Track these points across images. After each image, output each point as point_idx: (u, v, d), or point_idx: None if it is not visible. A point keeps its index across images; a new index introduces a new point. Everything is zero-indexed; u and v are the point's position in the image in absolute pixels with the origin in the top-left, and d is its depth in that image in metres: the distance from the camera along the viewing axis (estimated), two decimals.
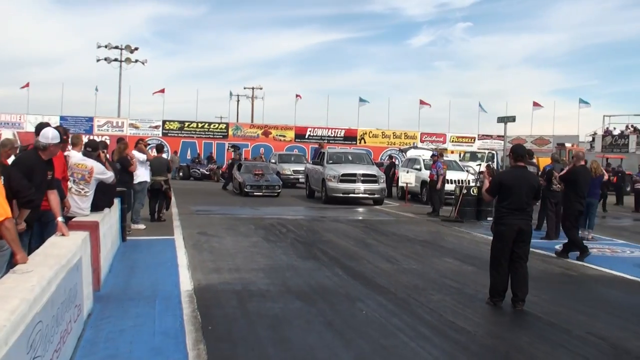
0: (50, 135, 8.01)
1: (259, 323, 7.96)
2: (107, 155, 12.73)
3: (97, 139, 14.15)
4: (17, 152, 10.04)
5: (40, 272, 5.39)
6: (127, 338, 7.15)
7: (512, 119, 21.45)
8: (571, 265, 13.18)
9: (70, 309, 6.39)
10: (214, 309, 8.55)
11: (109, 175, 10.76)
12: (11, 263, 6.18)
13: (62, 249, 6.83)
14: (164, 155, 20.29)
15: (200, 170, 44.68)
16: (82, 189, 10.23)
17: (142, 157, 16.80)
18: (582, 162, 14.83)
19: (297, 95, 62.22)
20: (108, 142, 16.63)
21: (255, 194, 29.49)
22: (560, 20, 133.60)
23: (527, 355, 7.10)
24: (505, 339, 7.79)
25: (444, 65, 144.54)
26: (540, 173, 18.13)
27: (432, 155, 26.05)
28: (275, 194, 29.87)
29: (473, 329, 8.00)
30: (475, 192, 21.68)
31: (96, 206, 10.63)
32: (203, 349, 6.78)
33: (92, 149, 11.18)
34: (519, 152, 9.86)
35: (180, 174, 43.98)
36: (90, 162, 10.48)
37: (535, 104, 61.42)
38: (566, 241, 14.37)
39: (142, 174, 16.82)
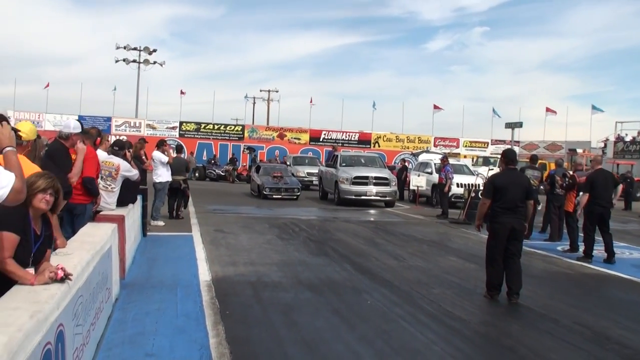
0: (72, 125, 8.86)
1: (272, 309, 8.71)
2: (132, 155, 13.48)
3: (117, 139, 14.79)
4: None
5: (79, 255, 6.12)
6: (153, 319, 7.90)
7: (520, 124, 22.02)
8: (571, 265, 13.79)
9: (102, 290, 7.15)
10: (230, 296, 9.30)
11: (134, 173, 11.52)
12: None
13: (95, 237, 7.59)
14: (182, 156, 21.00)
15: (216, 171, 45.39)
16: (109, 185, 10.97)
17: (164, 158, 17.53)
18: (599, 166, 15.08)
19: (310, 100, 63.08)
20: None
21: (274, 196, 29.03)
22: (577, 25, 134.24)
23: (515, 339, 7.80)
24: (497, 326, 8.51)
25: (459, 69, 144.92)
26: (545, 178, 18.74)
27: (441, 159, 26.79)
28: (295, 197, 29.48)
29: (468, 318, 8.70)
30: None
31: (121, 201, 11.37)
32: (222, 329, 7.51)
33: (119, 148, 11.90)
34: (510, 156, 10.64)
35: (196, 174, 44.68)
36: (117, 160, 11.22)
37: (549, 110, 62.06)
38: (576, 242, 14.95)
39: (163, 174, 17.56)
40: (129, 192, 11.82)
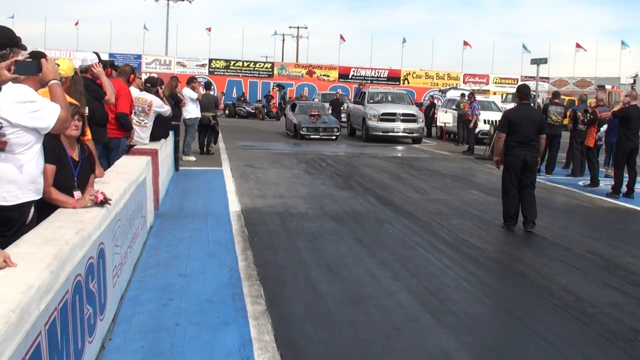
0: (89, 58, 9.26)
1: (297, 237, 9.24)
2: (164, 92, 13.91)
3: (149, 76, 15.08)
4: None
5: (116, 183, 6.61)
6: (185, 244, 8.44)
7: (545, 60, 22.14)
8: (591, 199, 14.11)
9: (138, 217, 7.67)
10: (259, 226, 9.82)
11: (166, 109, 11.97)
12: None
13: (131, 168, 8.09)
14: (212, 93, 21.35)
15: (246, 108, 45.66)
16: (142, 120, 11.43)
17: (193, 95, 17.90)
18: (634, 102, 14.91)
19: (341, 37, 62.91)
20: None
21: (311, 136, 27.46)
22: None
23: (526, 265, 8.26)
24: (510, 253, 8.97)
25: (492, 2, 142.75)
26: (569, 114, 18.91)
27: (468, 95, 26.95)
28: (334, 137, 27.81)
29: (483, 246, 9.15)
30: None
31: (154, 136, 11.84)
32: (250, 254, 8.04)
33: (152, 85, 12.30)
34: (524, 92, 11.06)
35: (226, 111, 45.03)
36: (150, 97, 11.65)
37: (578, 46, 61.50)
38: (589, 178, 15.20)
39: (192, 111, 17.93)
40: (161, 128, 12.27)
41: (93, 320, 4.74)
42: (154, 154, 10.47)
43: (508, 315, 6.35)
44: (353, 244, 9.00)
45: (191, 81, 18.34)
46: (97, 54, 9.58)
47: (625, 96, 15.82)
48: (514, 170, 10.43)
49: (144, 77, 15.65)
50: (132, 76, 10.86)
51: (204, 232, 9.19)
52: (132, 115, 11.18)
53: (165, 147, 12.76)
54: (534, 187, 10.60)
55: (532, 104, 11.05)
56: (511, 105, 28.38)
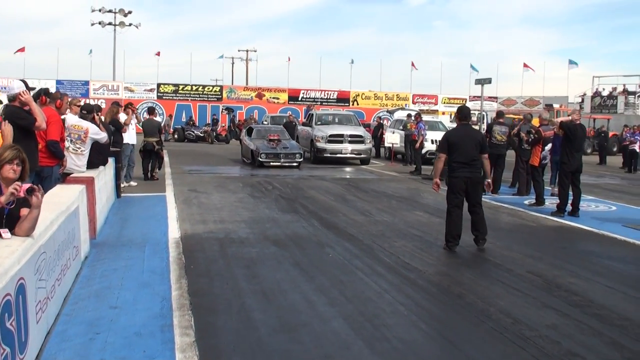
0: (15, 86, 9.07)
1: (235, 263, 9.07)
2: (101, 118, 13.69)
3: (93, 102, 14.80)
4: None
5: (44, 214, 6.40)
6: (119, 275, 8.22)
7: (489, 80, 22.44)
8: (535, 218, 14.15)
9: (69, 248, 7.47)
10: (197, 252, 9.64)
11: (102, 136, 11.75)
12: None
13: (62, 198, 7.92)
14: (156, 118, 21.09)
15: (195, 132, 45.40)
16: (79, 148, 11.23)
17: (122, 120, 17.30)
18: (579, 121, 14.91)
19: (288, 59, 63.08)
20: (104, 105, 17.44)
21: (271, 164, 24.88)
22: None
23: (466, 287, 8.19)
24: (450, 275, 8.88)
25: (441, 25, 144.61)
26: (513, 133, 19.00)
27: (414, 115, 27.10)
28: (296, 164, 25.24)
29: (424, 268, 9.08)
30: None
31: (92, 164, 11.62)
32: (185, 282, 7.86)
33: (87, 112, 12.06)
34: (464, 113, 11.22)
35: (176, 136, 44.75)
36: (86, 124, 11.45)
37: (526, 66, 62.37)
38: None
39: (125, 136, 17.19)
40: (99, 155, 12.07)
41: None
42: (89, 181, 10.28)
43: (443, 341, 6.25)
44: (291, 269, 8.87)
45: (126, 107, 17.80)
46: (24, 81, 9.37)
47: (571, 114, 15.92)
48: (457, 191, 10.58)
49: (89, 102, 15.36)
50: (58, 101, 10.57)
51: (139, 261, 8.98)
52: (69, 143, 10.99)
53: (104, 174, 12.53)
54: (481, 206, 10.71)
55: (473, 125, 11.11)
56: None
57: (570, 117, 15.14)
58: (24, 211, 5.62)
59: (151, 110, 20.94)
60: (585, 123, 45.30)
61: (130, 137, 17.66)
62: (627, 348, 6.22)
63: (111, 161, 14.13)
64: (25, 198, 5.51)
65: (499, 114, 20.21)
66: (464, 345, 6.11)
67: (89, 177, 10.62)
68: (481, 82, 22.59)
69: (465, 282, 8.51)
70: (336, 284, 8.14)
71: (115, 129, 15.37)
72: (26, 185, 5.43)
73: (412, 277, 8.59)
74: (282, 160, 25.10)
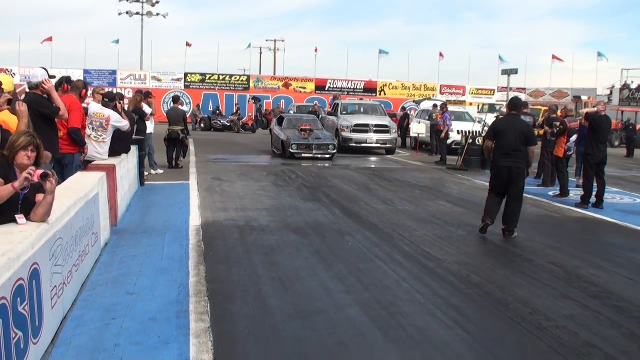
0: (39, 74, 9.10)
1: (254, 251, 9.08)
2: (124, 106, 13.74)
3: (120, 92, 14.73)
4: None
5: (60, 201, 6.43)
6: (138, 261, 8.26)
7: (515, 71, 22.26)
8: (560, 209, 14.05)
9: (88, 234, 7.50)
10: (217, 240, 9.66)
11: (124, 124, 11.78)
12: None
13: (81, 185, 7.95)
14: (182, 107, 21.07)
15: (221, 121, 45.34)
16: (100, 136, 11.27)
17: (147, 110, 17.39)
18: (605, 112, 14.77)
19: (315, 49, 62.95)
20: (130, 94, 17.48)
21: (303, 155, 23.59)
22: None
23: (484, 277, 8.12)
24: (470, 265, 8.77)
25: (471, 16, 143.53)
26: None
27: (440, 106, 26.96)
28: (329, 156, 23.93)
29: (443, 257, 9.03)
30: (480, 142, 22.60)
31: (114, 152, 11.67)
32: (203, 269, 7.88)
33: (110, 100, 12.12)
34: (514, 103, 11.43)
35: (202, 125, 44.78)
36: (108, 111, 11.49)
37: (555, 57, 61.75)
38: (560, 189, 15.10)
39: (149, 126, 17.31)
40: (121, 143, 12.10)
41: (24, 345, 4.58)
42: (110, 169, 10.31)
43: (459, 330, 6.18)
44: (310, 256, 8.86)
45: (146, 96, 17.86)
46: (45, 69, 9.42)
47: (596, 105, 15.73)
48: (497, 179, 10.88)
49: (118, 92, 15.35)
50: (84, 90, 10.67)
51: (159, 248, 9.01)
52: (90, 131, 11.04)
53: (127, 162, 12.58)
54: (517, 199, 10.82)
55: (521, 116, 11.28)
56: (488, 116, 28.73)
57: (595, 109, 14.98)
58: (39, 197, 5.64)
59: (176, 99, 20.97)
60: (612, 116, 44.97)
61: (150, 126, 17.64)
62: None
63: (134, 149, 14.18)
64: (40, 184, 5.52)
65: (523, 104, 20.06)
66: (480, 334, 6.07)
67: (110, 164, 10.66)
68: (508, 72, 22.39)
69: (485, 271, 8.44)
70: (354, 272, 8.12)
71: (139, 117, 15.39)
72: (40, 171, 5.45)
73: (432, 266, 8.55)
74: (314, 151, 23.81)
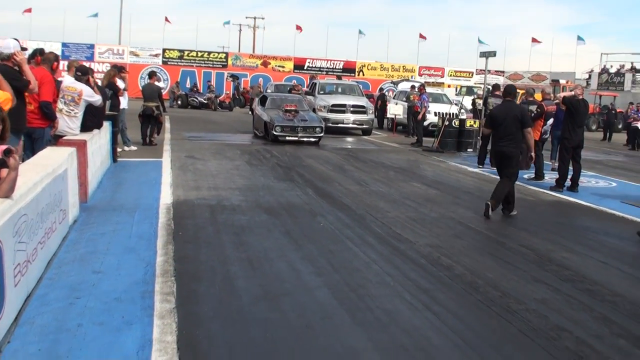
0: (11, 45, 8.94)
1: (224, 231, 8.98)
2: (97, 81, 13.55)
3: (98, 66, 14.44)
4: None
5: (27, 176, 6.31)
6: (106, 239, 8.14)
7: (494, 53, 22.15)
8: (534, 192, 14.09)
9: (55, 211, 7.36)
10: (187, 219, 9.54)
11: (96, 99, 11.61)
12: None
13: (49, 160, 7.81)
14: (158, 83, 20.82)
15: (199, 99, 45.06)
16: (72, 110, 11.09)
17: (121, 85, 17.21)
18: (582, 96, 14.91)
19: (297, 27, 62.54)
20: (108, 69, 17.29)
21: (287, 138, 21.92)
22: None
23: (455, 259, 8.06)
24: (442, 247, 8.70)
25: None
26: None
27: (418, 87, 26.89)
28: (316, 139, 22.37)
29: (415, 239, 8.98)
30: (457, 124, 22.61)
31: (86, 127, 11.50)
32: (171, 248, 7.78)
33: (82, 74, 11.95)
34: (508, 90, 12.01)
35: (179, 102, 44.48)
36: (80, 86, 11.31)
37: (534, 40, 61.88)
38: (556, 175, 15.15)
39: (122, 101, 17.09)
40: (93, 118, 11.93)
41: None
42: (81, 145, 10.15)
43: (427, 312, 6.12)
44: (281, 237, 8.78)
45: (119, 71, 17.60)
46: (17, 40, 9.25)
47: (573, 89, 15.76)
48: (496, 161, 11.72)
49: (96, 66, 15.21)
50: (55, 63, 10.49)
51: (127, 226, 8.88)
52: (62, 105, 10.88)
53: (99, 138, 12.41)
54: (510, 179, 11.32)
55: (515, 101, 11.72)
56: (466, 99, 28.74)
57: (572, 92, 14.99)
58: (3, 172, 5.51)
59: (152, 74, 20.73)
60: (590, 100, 45.13)
61: (124, 101, 17.42)
62: (617, 324, 6.14)
63: (107, 125, 14.02)
64: (3, 159, 5.40)
65: (495, 86, 20.31)
66: (448, 317, 6.01)
67: (81, 140, 10.49)
68: (486, 55, 22.32)
69: (456, 254, 8.37)
70: (324, 253, 8.05)
71: (112, 92, 15.21)
72: (3, 147, 5.32)
73: (402, 248, 8.50)
74: (299, 134, 22.08)
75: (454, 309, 6.28)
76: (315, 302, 6.26)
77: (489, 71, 59.37)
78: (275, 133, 21.79)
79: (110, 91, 14.88)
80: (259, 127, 24.27)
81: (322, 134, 22.46)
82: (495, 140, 11.50)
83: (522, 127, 11.11)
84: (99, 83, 14.87)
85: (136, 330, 5.28)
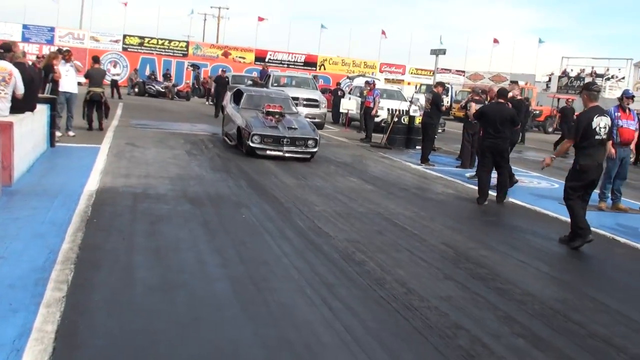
0: None
1: (141, 220, 8.85)
2: (28, 62, 13.32)
3: (4, 42, 13.97)
4: None
5: None
6: (19, 224, 7.97)
7: (443, 51, 22.29)
8: (470, 190, 14.05)
9: None
10: (106, 206, 9.39)
11: (19, 86, 11.27)
12: None
13: None
14: (101, 67, 20.51)
15: (156, 87, 44.62)
16: (2, 91, 10.89)
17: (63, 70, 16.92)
18: (519, 96, 16.13)
19: (259, 18, 62.39)
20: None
21: (269, 152, 16.21)
22: None
23: (369, 255, 8.00)
24: (359, 242, 8.63)
25: None
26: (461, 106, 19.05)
27: (367, 83, 26.93)
28: (309, 155, 16.60)
29: (335, 234, 8.91)
30: (406, 121, 22.64)
31: (18, 109, 11.28)
32: (80, 235, 7.63)
33: (5, 51, 11.71)
34: (500, 92, 13.58)
35: (136, 90, 44.05)
36: (10, 66, 11.12)
37: (495, 41, 62.40)
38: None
39: (63, 84, 16.95)
40: (24, 100, 11.70)
41: None
42: (6, 127, 9.97)
43: (324, 308, 6.04)
44: (197, 227, 8.67)
45: (60, 53, 17.27)
46: None
47: (510, 89, 15.80)
48: (486, 155, 12.85)
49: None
50: None
51: (44, 211, 8.70)
52: None
53: (31, 121, 12.20)
54: (506, 169, 13.08)
55: (507, 103, 13.36)
56: (422, 97, 28.86)
57: (511, 94, 15.12)
58: None
59: (96, 59, 20.46)
60: (548, 102, 45.40)
61: (69, 85, 17.18)
62: (520, 323, 6.13)
63: (45, 108, 13.82)
64: None
65: (437, 84, 20.48)
66: (344, 314, 5.93)
67: (7, 122, 10.27)
68: (436, 52, 22.40)
69: (372, 250, 8.29)
70: (237, 245, 7.97)
71: (46, 74, 14.96)
72: None
73: (319, 242, 8.44)
74: (285, 148, 16.31)
75: (352, 305, 6.20)
76: (212, 294, 6.17)
77: (450, 70, 60.00)
78: (252, 145, 16.14)
79: (44, 73, 14.62)
80: (230, 133, 18.47)
81: (316, 149, 16.73)
82: (486, 136, 12.83)
83: (512, 126, 13.06)
84: (30, 64, 14.56)
85: (19, 319, 5.15)
